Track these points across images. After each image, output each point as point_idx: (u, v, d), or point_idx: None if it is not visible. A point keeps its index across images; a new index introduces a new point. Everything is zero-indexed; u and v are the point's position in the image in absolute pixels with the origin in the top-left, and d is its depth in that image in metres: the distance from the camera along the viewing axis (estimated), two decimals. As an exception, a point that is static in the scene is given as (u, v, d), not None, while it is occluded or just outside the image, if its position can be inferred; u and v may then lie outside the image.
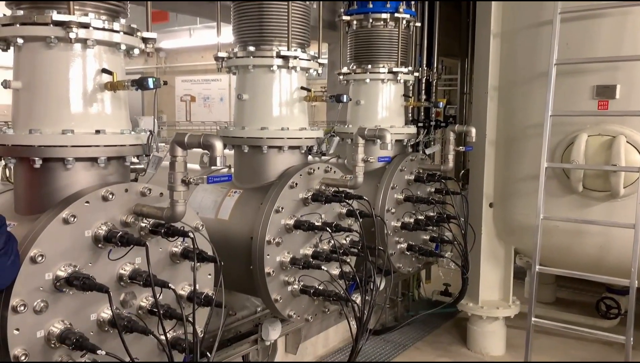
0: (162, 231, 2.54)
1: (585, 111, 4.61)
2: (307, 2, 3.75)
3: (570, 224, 4.76)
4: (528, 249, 5.58)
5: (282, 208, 3.43)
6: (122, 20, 2.62)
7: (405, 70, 4.88)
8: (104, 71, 2.50)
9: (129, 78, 2.54)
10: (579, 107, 4.68)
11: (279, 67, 3.60)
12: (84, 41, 2.45)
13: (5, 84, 2.49)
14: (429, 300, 6.92)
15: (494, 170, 5.57)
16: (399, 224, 4.68)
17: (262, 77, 3.64)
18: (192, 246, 2.64)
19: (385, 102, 4.90)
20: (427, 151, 5.20)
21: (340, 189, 3.71)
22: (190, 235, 2.53)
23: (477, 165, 5.62)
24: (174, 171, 2.41)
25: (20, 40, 2.43)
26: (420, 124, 5.92)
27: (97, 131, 2.49)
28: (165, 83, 2.58)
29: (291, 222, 3.49)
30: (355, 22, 4.94)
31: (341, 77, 4.97)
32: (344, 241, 3.91)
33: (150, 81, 2.44)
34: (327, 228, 3.45)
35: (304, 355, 5.49)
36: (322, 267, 3.43)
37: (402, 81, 4.87)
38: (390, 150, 4.73)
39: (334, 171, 3.85)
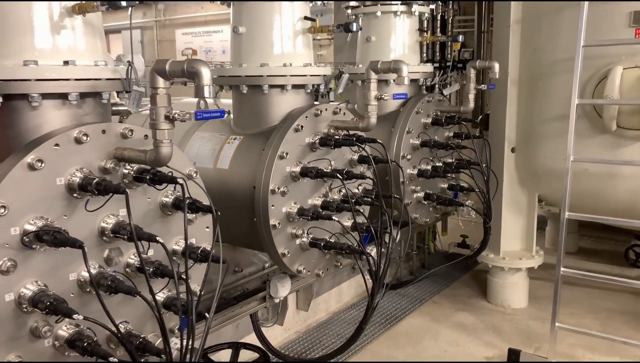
0: (148, 177, 2.20)
1: (622, 40, 4.15)
2: None
3: (601, 167, 4.37)
4: (554, 196, 5.22)
5: (287, 154, 3.07)
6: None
7: (419, 1, 4.42)
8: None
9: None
10: (614, 36, 4.22)
11: (279, -6, 3.19)
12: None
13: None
14: (446, 253, 6.63)
15: (517, 112, 5.16)
16: (415, 171, 4.32)
17: (259, 5, 3.22)
18: (190, 195, 2.31)
19: (398, 37, 4.46)
20: (445, 92, 4.77)
21: (351, 132, 3.35)
22: (180, 181, 2.19)
23: (498, 107, 5.19)
24: (155, 106, 2.04)
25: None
26: (436, 65, 5.47)
27: (66, 62, 2.13)
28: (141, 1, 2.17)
29: (297, 169, 3.14)
30: (364, -51, 4.46)
31: (349, 11, 4.52)
32: (356, 190, 3.57)
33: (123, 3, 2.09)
34: (338, 175, 3.09)
35: (317, 311, 5.24)
36: (333, 218, 3.09)
37: (416, 13, 4.41)
38: (407, 85, 4.34)
39: (344, 113, 3.47)
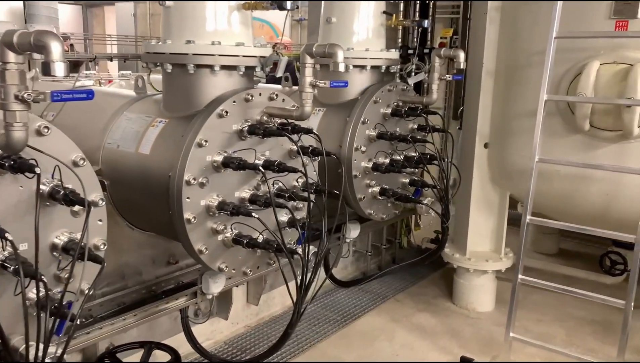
0: (7, 164, 1.94)
1: (600, 33, 3.82)
2: None
3: (574, 169, 4.07)
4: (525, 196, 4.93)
5: (206, 142, 2.80)
6: None
7: (385, -20, 4.10)
8: None
9: None
10: (593, 28, 3.88)
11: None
12: None
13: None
14: (419, 248, 6.36)
15: (492, 105, 4.84)
16: (370, 165, 4.04)
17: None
18: (61, 184, 2.07)
19: (361, 20, 4.14)
20: (410, 81, 4.46)
21: (289, 121, 3.06)
22: (37, 170, 1.92)
23: (472, 99, 4.88)
24: (4, 83, 1.77)
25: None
26: (411, 51, 5.14)
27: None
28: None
29: (219, 159, 2.87)
30: None
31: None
32: (296, 184, 3.30)
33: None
34: (260, 168, 2.82)
35: (271, 305, 5.00)
36: (253, 214, 2.82)
37: (381, -6, 4.09)
38: (369, 72, 4.04)
39: (283, 99, 3.18)
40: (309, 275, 3.06)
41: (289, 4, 2.71)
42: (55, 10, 6.25)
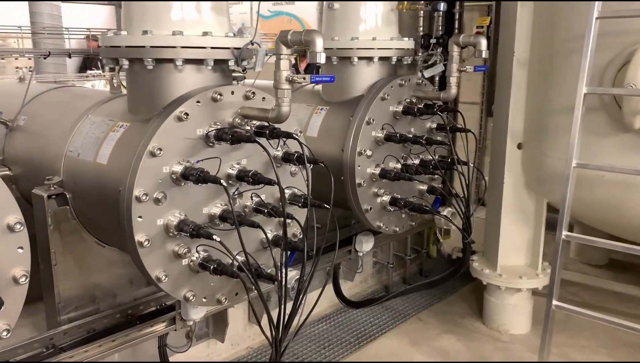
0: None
1: (651, 11, 3.17)
2: None
3: (621, 174, 3.43)
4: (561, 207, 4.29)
5: (161, 150, 2.37)
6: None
7: (395, -42, 3.57)
8: None
9: None
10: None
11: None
12: None
13: None
14: (449, 258, 5.77)
15: (525, 100, 4.22)
16: (377, 171, 3.52)
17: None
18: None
19: (368, 5, 3.62)
20: (426, 74, 3.91)
21: (263, 123, 2.61)
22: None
23: (502, 93, 4.28)
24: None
25: None
26: (434, 41, 4.57)
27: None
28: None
29: (178, 169, 2.43)
30: None
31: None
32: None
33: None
34: (222, 182, 2.36)
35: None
36: (214, 237, 2.37)
37: (389, -26, 3.56)
38: (377, 64, 3.55)
39: (263, 98, 2.71)
40: (289, 305, 2.58)
41: (258, -16, 2.27)
42: (59, 8, 6.02)
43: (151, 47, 2.50)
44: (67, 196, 2.86)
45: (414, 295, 5.17)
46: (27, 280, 2.08)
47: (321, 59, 2.33)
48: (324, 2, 3.71)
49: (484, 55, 3.33)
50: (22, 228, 1.98)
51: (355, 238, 4.08)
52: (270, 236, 2.76)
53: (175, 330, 3.17)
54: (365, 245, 4.04)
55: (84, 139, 2.83)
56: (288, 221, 2.74)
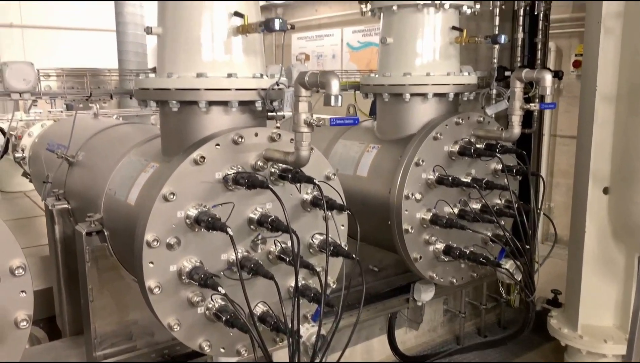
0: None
1: None
2: None
3: None
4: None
5: (174, 195, 2.29)
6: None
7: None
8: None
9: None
10: None
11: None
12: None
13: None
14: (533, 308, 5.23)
15: (613, 139, 3.75)
16: (428, 216, 3.24)
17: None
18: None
19: (425, 39, 3.39)
20: (489, 111, 3.57)
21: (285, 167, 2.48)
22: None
23: (584, 131, 3.83)
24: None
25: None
26: (509, 73, 4.23)
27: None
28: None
29: (193, 214, 2.35)
30: None
31: (365, 7, 3.55)
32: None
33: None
34: (228, 230, 2.24)
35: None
36: (219, 289, 2.24)
37: (447, 7, 3.31)
38: (403, 103, 3.33)
39: (291, 140, 2.58)
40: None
41: (277, 24, 2.20)
42: (144, 47, 6.41)
43: (176, 89, 2.47)
44: (106, 233, 2.90)
45: (487, 350, 4.72)
46: (29, 324, 2.08)
47: (337, 102, 2.16)
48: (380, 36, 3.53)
49: (547, 91, 2.96)
50: (24, 272, 1.99)
51: (414, 286, 3.79)
52: (293, 284, 2.59)
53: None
54: (424, 294, 3.74)
55: (121, 178, 2.87)
56: (317, 269, 2.57)
